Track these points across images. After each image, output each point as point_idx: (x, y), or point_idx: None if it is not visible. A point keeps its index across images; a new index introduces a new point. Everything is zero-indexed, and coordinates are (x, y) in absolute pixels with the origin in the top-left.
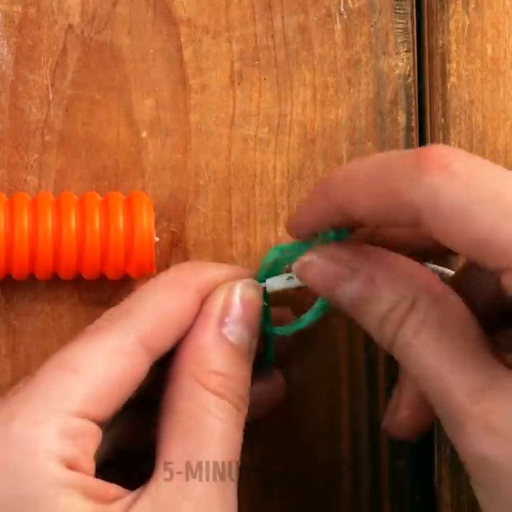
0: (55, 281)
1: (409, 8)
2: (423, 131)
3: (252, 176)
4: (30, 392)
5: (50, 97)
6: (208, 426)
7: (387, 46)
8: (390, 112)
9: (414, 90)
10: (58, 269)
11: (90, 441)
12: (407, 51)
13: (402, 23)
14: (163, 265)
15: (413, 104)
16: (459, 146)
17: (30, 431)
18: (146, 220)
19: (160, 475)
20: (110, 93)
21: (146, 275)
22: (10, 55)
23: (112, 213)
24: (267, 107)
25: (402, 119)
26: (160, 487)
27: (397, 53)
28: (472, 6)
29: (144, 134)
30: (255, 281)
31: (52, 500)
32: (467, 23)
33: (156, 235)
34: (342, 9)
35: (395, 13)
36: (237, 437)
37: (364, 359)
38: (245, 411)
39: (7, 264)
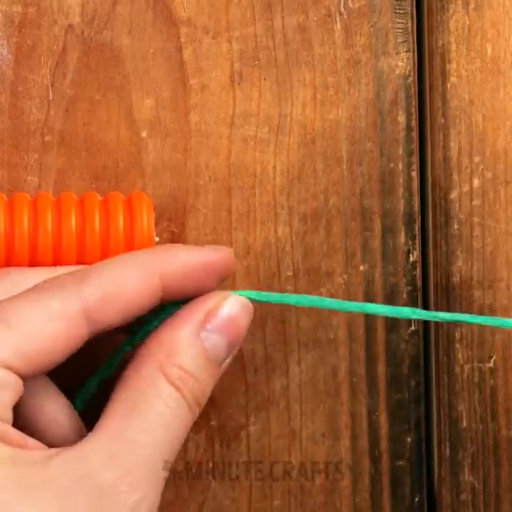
0: None
1: (409, 8)
2: (423, 131)
3: (252, 175)
4: None
5: (50, 97)
6: (156, 409)
7: (387, 46)
8: (390, 112)
9: (414, 90)
10: None
11: (10, 392)
12: (407, 51)
13: (402, 23)
14: None
15: (413, 104)
16: (459, 146)
17: None
18: (146, 220)
19: (92, 438)
20: (110, 93)
21: None
22: (10, 55)
23: (112, 213)
24: (267, 107)
25: (402, 119)
26: (88, 447)
27: (397, 53)
28: (472, 6)
29: (144, 134)
30: (249, 303)
31: None
32: (467, 23)
33: (156, 235)
34: (342, 9)
35: (395, 13)
36: (179, 432)
37: (364, 359)
38: (195, 415)
39: (7, 264)
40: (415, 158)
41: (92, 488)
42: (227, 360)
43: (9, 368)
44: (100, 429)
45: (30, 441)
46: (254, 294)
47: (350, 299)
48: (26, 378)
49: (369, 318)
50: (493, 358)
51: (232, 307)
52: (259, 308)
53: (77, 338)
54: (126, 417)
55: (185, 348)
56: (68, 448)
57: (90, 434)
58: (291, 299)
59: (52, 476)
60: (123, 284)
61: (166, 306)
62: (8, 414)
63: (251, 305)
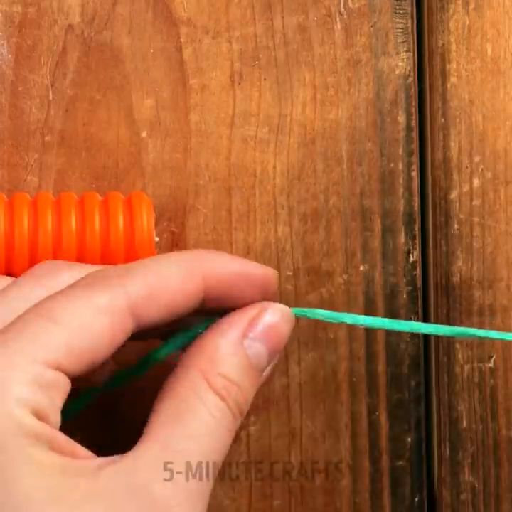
0: None
1: (409, 8)
2: (423, 131)
3: (252, 175)
4: (7, 336)
5: (50, 97)
6: (201, 418)
7: (387, 46)
8: (390, 112)
9: (414, 90)
10: None
11: (59, 394)
12: (407, 51)
13: (402, 23)
14: None
15: (413, 104)
16: (459, 146)
17: (2, 374)
18: (146, 220)
19: (141, 448)
20: (110, 93)
21: None
22: (10, 55)
23: (112, 213)
24: (267, 107)
25: (402, 119)
26: (139, 458)
27: (397, 53)
28: (472, 6)
29: (144, 134)
30: (290, 312)
31: (18, 448)
32: (467, 23)
33: (156, 235)
34: (342, 9)
35: (395, 13)
36: (225, 441)
37: (364, 358)
38: (238, 423)
39: (7, 264)
40: (415, 158)
41: (144, 501)
42: (269, 368)
43: (59, 367)
44: (148, 439)
45: (79, 449)
46: (301, 310)
47: (350, 300)
48: (74, 377)
49: None
50: (493, 358)
51: (273, 315)
52: None
53: (122, 335)
54: (173, 427)
55: (228, 357)
56: (118, 457)
57: (139, 443)
58: (344, 317)
59: (103, 488)
60: (167, 280)
61: (199, 323)
62: (57, 418)
63: (292, 314)
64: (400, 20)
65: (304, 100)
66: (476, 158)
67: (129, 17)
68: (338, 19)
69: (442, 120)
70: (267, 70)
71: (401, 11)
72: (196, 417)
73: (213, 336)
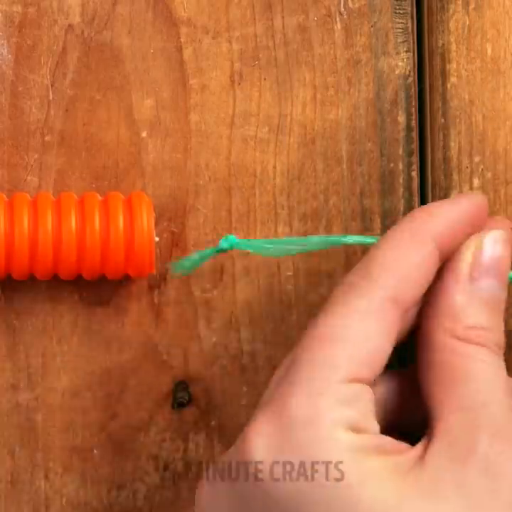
0: (55, 281)
1: (409, 8)
2: (423, 131)
3: (252, 175)
4: (299, 369)
5: (50, 97)
6: (474, 372)
7: (387, 46)
8: (390, 112)
9: (414, 90)
10: (58, 269)
11: (366, 402)
12: (407, 51)
13: (402, 23)
14: (163, 265)
15: (413, 104)
16: (459, 146)
17: (312, 408)
18: (146, 220)
19: (443, 425)
20: (110, 93)
21: (145, 275)
22: (10, 55)
23: (112, 213)
24: (267, 107)
25: (402, 119)
26: (446, 433)
27: (397, 53)
28: (472, 6)
29: (144, 134)
30: (503, 233)
31: (352, 466)
32: (467, 23)
33: (156, 235)
34: (342, 9)
35: (395, 13)
36: (501, 376)
37: None
38: (503, 360)
39: (7, 264)
40: (415, 158)
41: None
42: (504, 293)
43: (355, 379)
44: (442, 419)
45: (400, 444)
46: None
47: None
48: (371, 383)
49: None
50: None
51: (491, 246)
52: (259, 308)
53: (394, 326)
54: (457, 402)
55: (466, 308)
56: (421, 446)
57: (436, 428)
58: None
59: (432, 478)
60: (407, 261)
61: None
62: (373, 424)
63: (503, 233)
64: (400, 20)
65: (304, 100)
66: (476, 158)
67: (129, 17)
68: (338, 19)
69: (442, 120)
70: (267, 70)
71: (401, 11)
72: (469, 374)
73: (444, 291)
